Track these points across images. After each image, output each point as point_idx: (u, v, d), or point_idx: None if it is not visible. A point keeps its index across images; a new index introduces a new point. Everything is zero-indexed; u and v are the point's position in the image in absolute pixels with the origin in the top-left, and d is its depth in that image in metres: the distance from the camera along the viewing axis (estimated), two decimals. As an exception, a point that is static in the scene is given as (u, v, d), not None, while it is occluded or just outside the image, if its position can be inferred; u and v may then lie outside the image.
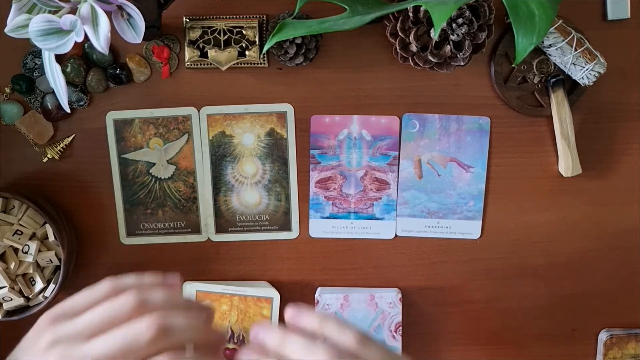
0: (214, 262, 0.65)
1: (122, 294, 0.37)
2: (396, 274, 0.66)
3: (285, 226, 0.65)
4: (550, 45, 0.59)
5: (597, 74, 0.59)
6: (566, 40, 0.58)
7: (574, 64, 0.59)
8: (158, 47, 0.61)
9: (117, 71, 0.61)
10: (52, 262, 0.61)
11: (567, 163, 0.62)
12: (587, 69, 0.58)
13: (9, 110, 0.62)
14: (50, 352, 0.35)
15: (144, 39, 0.52)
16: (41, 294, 0.62)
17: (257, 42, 0.60)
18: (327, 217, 0.65)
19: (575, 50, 0.58)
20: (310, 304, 0.65)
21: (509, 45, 0.60)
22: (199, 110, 0.63)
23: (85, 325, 0.36)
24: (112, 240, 0.65)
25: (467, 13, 0.56)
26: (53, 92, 0.60)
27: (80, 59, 0.61)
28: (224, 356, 0.66)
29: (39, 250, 0.61)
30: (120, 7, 0.49)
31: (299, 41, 0.58)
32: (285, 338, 0.38)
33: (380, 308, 0.62)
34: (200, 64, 0.61)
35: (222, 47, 0.60)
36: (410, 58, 0.59)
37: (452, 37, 0.56)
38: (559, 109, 0.61)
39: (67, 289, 0.62)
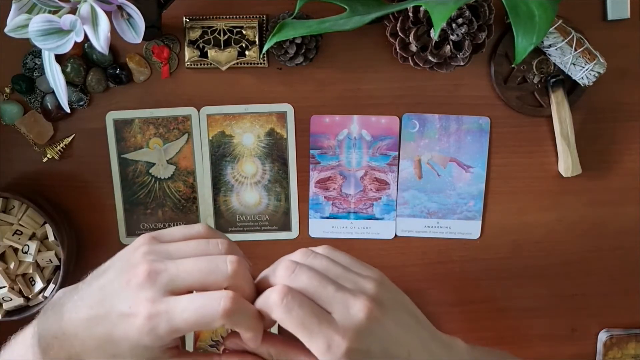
0: (214, 262, 0.65)
1: (214, 238, 0.41)
2: (396, 274, 0.65)
3: (285, 226, 0.65)
4: (550, 45, 0.59)
5: (597, 74, 0.59)
6: (566, 40, 0.58)
7: (573, 64, 0.59)
8: (158, 47, 0.61)
9: (117, 71, 0.61)
10: (52, 262, 0.61)
11: (567, 163, 0.62)
12: (587, 69, 0.58)
13: (9, 110, 0.62)
14: (143, 259, 0.39)
15: (144, 39, 0.52)
16: (41, 294, 0.62)
17: (257, 42, 0.60)
18: (327, 217, 0.65)
19: (575, 50, 0.58)
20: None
21: (508, 45, 0.61)
22: (198, 110, 0.63)
23: (178, 250, 0.40)
24: (112, 240, 0.65)
25: (467, 13, 0.56)
26: (53, 92, 0.60)
27: (80, 59, 0.61)
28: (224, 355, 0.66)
29: (39, 250, 0.61)
30: (120, 7, 0.49)
31: (299, 41, 0.58)
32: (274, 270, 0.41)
33: (380, 308, 0.62)
34: (200, 64, 0.61)
35: (222, 47, 0.60)
36: (410, 58, 0.59)
37: (452, 37, 0.56)
38: (559, 109, 0.61)
39: (67, 289, 0.62)
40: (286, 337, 0.41)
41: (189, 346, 0.66)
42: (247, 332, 0.39)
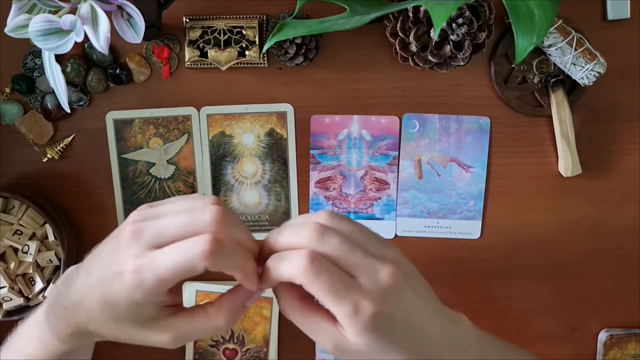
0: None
1: (201, 211, 0.40)
2: (396, 274, 0.66)
3: (285, 226, 0.65)
4: (550, 45, 0.59)
5: (597, 74, 0.59)
6: (566, 40, 0.58)
7: (574, 64, 0.59)
8: (158, 47, 0.61)
9: (117, 71, 0.61)
10: (52, 262, 0.61)
11: (567, 163, 0.62)
12: (587, 69, 0.58)
13: (9, 110, 0.62)
14: (130, 222, 0.40)
15: (144, 39, 0.52)
16: (41, 294, 0.62)
17: (257, 42, 0.60)
18: (327, 217, 0.64)
19: (575, 50, 0.58)
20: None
21: (509, 45, 0.61)
22: (199, 110, 0.63)
23: (164, 210, 0.41)
24: (112, 240, 0.65)
25: (467, 13, 0.56)
26: (53, 92, 0.60)
27: (80, 59, 0.61)
28: (224, 356, 0.66)
29: (39, 250, 0.61)
30: (120, 7, 0.49)
31: (299, 41, 0.58)
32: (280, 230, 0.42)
33: (380, 308, 0.62)
34: (200, 64, 0.61)
35: (222, 47, 0.60)
36: (410, 58, 0.59)
37: (452, 37, 0.56)
38: (559, 109, 0.61)
39: (67, 289, 0.62)
40: (307, 303, 0.41)
41: (189, 347, 0.66)
42: (235, 273, 0.39)
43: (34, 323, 0.45)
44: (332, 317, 0.39)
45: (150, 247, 0.39)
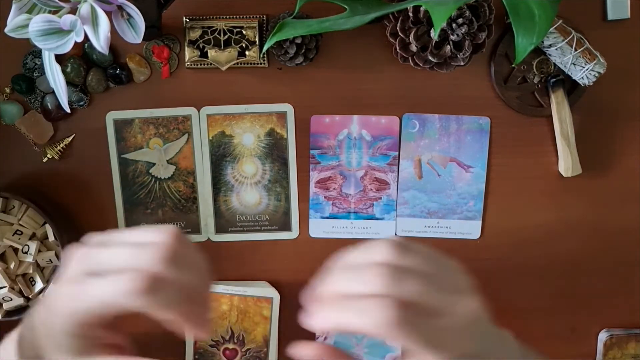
0: (214, 262, 0.65)
1: (149, 245, 0.38)
2: (396, 274, 0.66)
3: (285, 226, 0.65)
4: (550, 45, 0.59)
5: (597, 74, 0.59)
6: (566, 40, 0.58)
7: (574, 64, 0.59)
8: (158, 47, 0.61)
9: (117, 71, 0.61)
10: (52, 262, 0.61)
11: (567, 163, 0.62)
12: (587, 69, 0.58)
13: (9, 110, 0.62)
14: (79, 249, 0.39)
15: (144, 39, 0.52)
16: (41, 294, 0.62)
17: (257, 42, 0.60)
18: (327, 217, 0.65)
19: (575, 50, 0.58)
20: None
21: (509, 45, 0.61)
22: (199, 110, 0.63)
23: (106, 258, 0.38)
24: (112, 240, 0.65)
25: (467, 13, 0.56)
26: (53, 92, 0.60)
27: (80, 59, 0.61)
28: (224, 356, 0.66)
29: (39, 250, 0.61)
30: (120, 7, 0.49)
31: (299, 41, 0.58)
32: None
33: (380, 308, 0.62)
34: (200, 64, 0.61)
35: (222, 47, 0.60)
36: (410, 58, 0.59)
37: (452, 37, 0.56)
38: (559, 109, 0.61)
39: (67, 289, 0.62)
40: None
41: (189, 345, 0.66)
42: (174, 317, 0.37)
43: (12, 339, 0.43)
44: None
45: (90, 274, 0.37)
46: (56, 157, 0.63)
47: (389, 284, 0.35)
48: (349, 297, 0.36)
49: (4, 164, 0.63)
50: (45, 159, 0.63)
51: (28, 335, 0.41)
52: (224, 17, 0.60)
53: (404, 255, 0.37)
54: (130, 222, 0.64)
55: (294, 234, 0.65)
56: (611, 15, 0.61)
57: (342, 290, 0.37)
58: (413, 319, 0.34)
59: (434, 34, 0.54)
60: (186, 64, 0.61)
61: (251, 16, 0.60)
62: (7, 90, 0.62)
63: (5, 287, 0.60)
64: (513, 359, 0.41)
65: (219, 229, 0.65)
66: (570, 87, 0.62)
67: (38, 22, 0.46)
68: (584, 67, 0.58)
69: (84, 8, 0.46)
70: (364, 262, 0.37)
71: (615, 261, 0.65)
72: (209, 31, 0.60)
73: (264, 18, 0.61)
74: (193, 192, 0.64)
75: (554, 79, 0.61)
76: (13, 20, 0.48)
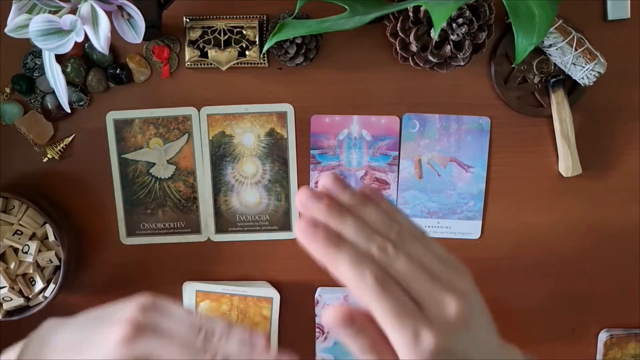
0: (214, 262, 0.65)
1: (209, 334, 0.37)
2: (396, 274, 0.65)
3: (285, 226, 0.65)
4: (550, 45, 0.59)
5: (597, 74, 0.59)
6: (566, 40, 0.58)
7: (574, 64, 0.59)
8: (158, 47, 0.61)
9: (117, 71, 0.61)
10: (52, 262, 0.61)
11: (567, 163, 0.62)
12: (587, 69, 0.58)
13: (9, 110, 0.62)
14: (130, 319, 0.36)
15: (144, 39, 0.52)
16: (41, 294, 0.62)
17: (257, 42, 0.60)
18: (327, 217, 0.64)
19: (575, 50, 0.58)
20: (310, 304, 0.65)
21: (509, 45, 0.61)
22: (199, 110, 0.63)
23: (167, 328, 0.37)
24: (112, 240, 0.65)
25: (467, 13, 0.56)
26: (53, 92, 0.60)
27: (80, 59, 0.61)
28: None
29: (39, 250, 0.61)
30: (120, 7, 0.49)
31: (299, 41, 0.58)
32: (365, 204, 0.38)
33: (380, 308, 0.62)
34: (200, 64, 0.61)
35: (222, 47, 0.60)
36: (410, 58, 0.59)
37: (452, 37, 0.56)
38: (559, 109, 0.61)
39: (67, 289, 0.62)
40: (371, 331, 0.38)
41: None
42: None
43: None
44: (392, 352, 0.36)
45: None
46: (56, 157, 0.63)
47: (380, 257, 0.36)
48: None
49: (4, 164, 0.63)
50: (45, 159, 0.63)
51: None
52: (224, 17, 0.60)
53: (410, 240, 0.37)
54: (130, 222, 0.64)
55: (294, 234, 0.65)
56: (611, 15, 0.61)
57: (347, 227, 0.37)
58: (392, 292, 0.35)
59: (434, 34, 0.54)
60: (186, 64, 0.61)
61: (251, 16, 0.60)
62: (7, 90, 0.62)
63: (5, 287, 0.60)
64: None
65: (219, 229, 0.65)
66: (570, 87, 0.62)
67: (38, 22, 0.46)
68: (584, 67, 0.58)
69: (84, 8, 0.46)
70: (374, 236, 0.37)
71: (615, 261, 0.65)
72: (209, 31, 0.60)
73: (264, 18, 0.61)
74: (193, 192, 0.64)
75: (554, 79, 0.61)
76: (13, 20, 0.48)
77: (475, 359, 0.37)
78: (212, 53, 0.60)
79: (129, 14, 0.49)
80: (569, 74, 0.60)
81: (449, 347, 0.36)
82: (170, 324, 0.38)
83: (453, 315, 0.36)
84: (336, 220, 0.38)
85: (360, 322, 0.37)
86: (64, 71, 0.55)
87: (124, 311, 0.38)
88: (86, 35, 0.47)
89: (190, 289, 0.64)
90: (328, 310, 0.37)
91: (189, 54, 0.60)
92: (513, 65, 0.61)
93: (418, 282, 0.36)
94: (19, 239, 0.60)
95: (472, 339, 0.37)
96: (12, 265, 0.61)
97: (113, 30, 0.47)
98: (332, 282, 0.66)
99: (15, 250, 0.61)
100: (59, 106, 0.60)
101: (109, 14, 0.47)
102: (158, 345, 0.36)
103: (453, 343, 0.36)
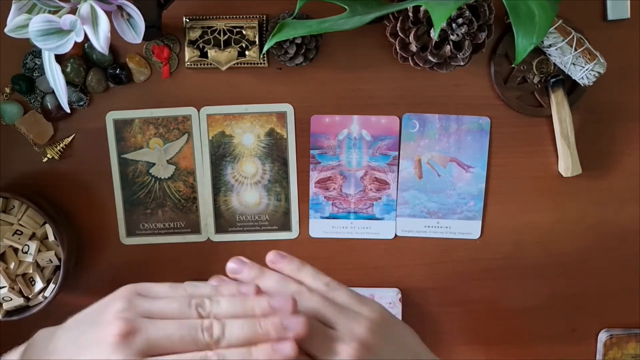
0: (214, 262, 0.65)
1: (200, 297, 0.38)
2: (396, 274, 0.66)
3: (285, 226, 0.65)
4: (550, 45, 0.59)
5: (597, 74, 0.59)
6: (566, 40, 0.58)
7: (573, 64, 0.59)
8: (158, 47, 0.61)
9: (117, 71, 0.61)
10: (52, 262, 0.61)
11: (567, 163, 0.62)
12: (587, 69, 0.58)
13: (9, 110, 0.62)
14: (120, 315, 0.36)
15: (144, 39, 0.52)
16: (41, 294, 0.62)
17: (257, 42, 0.60)
18: (327, 217, 0.65)
19: (575, 50, 0.58)
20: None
21: (509, 45, 0.61)
22: (198, 110, 0.63)
23: (159, 310, 0.37)
24: (112, 240, 0.65)
25: (467, 13, 0.56)
26: (53, 92, 0.60)
27: (80, 59, 0.61)
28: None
29: (39, 250, 0.61)
30: (120, 7, 0.49)
31: (299, 41, 0.58)
32: (263, 272, 0.44)
33: (380, 308, 0.62)
34: (200, 64, 0.61)
35: (222, 47, 0.60)
36: (410, 58, 0.59)
37: (452, 37, 0.56)
38: (559, 109, 0.61)
39: (67, 289, 0.62)
40: None
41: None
42: None
43: None
44: None
45: (141, 355, 0.35)
46: (56, 157, 0.63)
47: (276, 284, 0.45)
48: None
49: (4, 164, 0.63)
50: (45, 159, 0.63)
51: None
52: (224, 17, 0.60)
53: (309, 295, 0.44)
54: (130, 222, 0.64)
55: (293, 234, 0.65)
56: (611, 15, 0.61)
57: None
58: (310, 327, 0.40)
59: (434, 34, 0.54)
60: (186, 64, 0.61)
61: (251, 16, 0.60)
62: (7, 90, 0.62)
63: (5, 287, 0.60)
64: None
65: (219, 229, 0.65)
66: (570, 87, 0.62)
67: (38, 22, 0.46)
68: (584, 67, 0.58)
69: (83, 8, 0.46)
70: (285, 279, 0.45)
71: (615, 261, 0.65)
72: (209, 31, 0.60)
73: (264, 18, 0.61)
74: (193, 192, 0.64)
75: (554, 79, 0.61)
76: (13, 20, 0.48)
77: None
78: (211, 53, 0.60)
79: (128, 14, 0.49)
80: (569, 74, 0.60)
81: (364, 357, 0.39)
82: (159, 304, 0.38)
83: (361, 333, 0.40)
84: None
85: None
86: (63, 71, 0.55)
87: (111, 308, 0.37)
88: (86, 35, 0.46)
89: (190, 289, 0.64)
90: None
91: (189, 54, 0.60)
92: (513, 65, 0.61)
93: (329, 312, 0.42)
94: (19, 239, 0.60)
95: (386, 354, 0.41)
96: (12, 265, 0.61)
97: (113, 30, 0.47)
98: (332, 282, 0.66)
99: (15, 250, 0.61)
100: (58, 106, 0.60)
101: (108, 14, 0.47)
102: (155, 329, 0.36)
103: (368, 355, 0.40)
